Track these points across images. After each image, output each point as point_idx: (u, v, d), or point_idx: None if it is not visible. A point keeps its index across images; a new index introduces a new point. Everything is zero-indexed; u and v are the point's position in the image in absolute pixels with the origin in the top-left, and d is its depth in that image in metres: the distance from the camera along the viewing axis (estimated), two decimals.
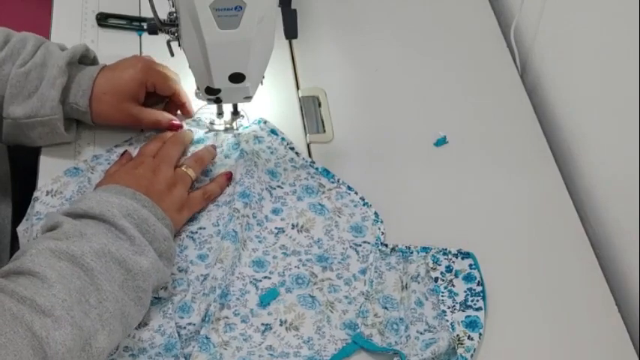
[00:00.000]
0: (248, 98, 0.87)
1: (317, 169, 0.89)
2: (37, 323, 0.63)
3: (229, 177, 0.87)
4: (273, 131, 0.92)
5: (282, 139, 0.91)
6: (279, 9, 0.79)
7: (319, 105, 0.98)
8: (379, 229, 0.84)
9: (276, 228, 0.84)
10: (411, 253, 0.82)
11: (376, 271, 0.81)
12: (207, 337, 0.75)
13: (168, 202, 0.79)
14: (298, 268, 0.81)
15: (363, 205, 0.86)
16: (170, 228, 0.78)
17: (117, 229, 0.72)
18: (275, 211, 0.86)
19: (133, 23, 1.03)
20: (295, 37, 0.82)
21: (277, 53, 0.85)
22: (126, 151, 0.88)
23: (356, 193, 0.87)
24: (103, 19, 1.03)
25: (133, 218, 0.73)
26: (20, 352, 0.61)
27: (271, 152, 0.90)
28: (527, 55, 1.08)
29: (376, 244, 0.83)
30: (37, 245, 0.69)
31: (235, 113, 0.93)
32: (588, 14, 0.92)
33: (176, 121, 0.90)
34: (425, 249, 0.82)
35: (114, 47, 0.99)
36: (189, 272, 0.80)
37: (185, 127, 0.92)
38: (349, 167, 0.91)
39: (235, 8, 0.73)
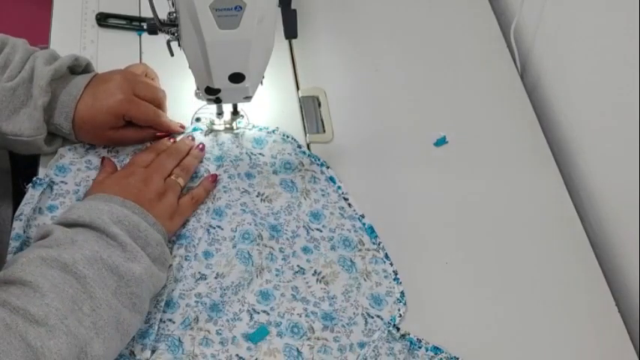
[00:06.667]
0: (248, 98, 0.87)
1: (364, 224, 0.86)
2: (31, 333, 0.62)
3: (214, 179, 0.87)
4: (332, 179, 0.89)
5: (339, 187, 0.89)
6: (279, 9, 0.79)
7: (319, 105, 0.98)
8: (399, 309, 0.79)
9: (298, 266, 0.82)
10: (420, 347, 0.76)
11: (374, 351, 0.76)
12: (180, 340, 0.75)
13: (159, 210, 0.79)
14: (300, 316, 0.78)
15: (394, 279, 0.82)
16: (163, 234, 0.77)
17: (108, 236, 0.72)
18: (305, 250, 0.83)
19: (133, 23, 1.03)
20: (295, 37, 0.82)
21: (277, 53, 0.85)
22: (104, 157, 0.87)
23: (391, 264, 0.83)
24: (103, 19, 1.03)
25: (124, 224, 0.73)
26: None
27: (323, 195, 0.88)
28: (527, 55, 1.08)
29: (389, 323, 0.78)
30: (28, 254, 0.68)
31: (235, 113, 0.93)
32: (588, 14, 0.93)
33: (160, 134, 0.90)
34: (436, 349, 0.76)
35: (114, 47, 1.00)
36: (186, 267, 0.80)
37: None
38: (349, 167, 0.91)
39: (235, 8, 0.73)
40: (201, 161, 0.89)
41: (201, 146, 0.90)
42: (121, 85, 0.85)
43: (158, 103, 0.89)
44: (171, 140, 0.90)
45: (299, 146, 0.92)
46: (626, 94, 0.83)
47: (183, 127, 0.92)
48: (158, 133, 0.90)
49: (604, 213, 0.90)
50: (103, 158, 0.87)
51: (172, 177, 0.84)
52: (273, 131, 0.93)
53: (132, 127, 0.88)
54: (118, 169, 0.86)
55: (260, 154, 0.91)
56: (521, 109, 1.00)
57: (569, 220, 0.89)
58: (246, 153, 0.91)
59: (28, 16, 1.79)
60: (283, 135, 0.93)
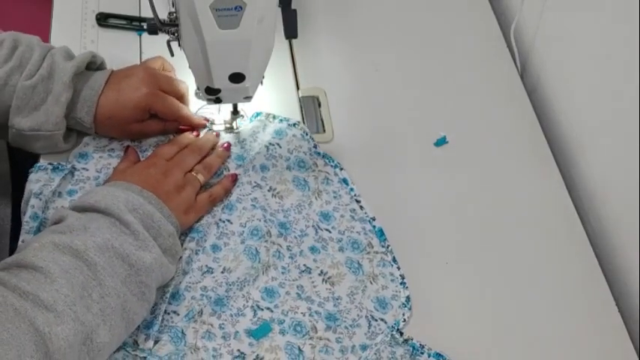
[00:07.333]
0: (248, 98, 0.87)
1: (374, 227, 0.85)
2: (39, 319, 0.63)
3: (234, 179, 0.87)
4: (345, 180, 0.89)
5: (352, 189, 0.88)
6: (279, 9, 0.79)
7: (319, 105, 0.98)
8: (403, 314, 0.79)
9: (304, 265, 0.82)
10: (422, 353, 0.76)
11: (376, 354, 0.76)
12: (183, 332, 0.75)
13: (176, 203, 0.80)
14: (304, 315, 0.78)
15: (400, 284, 0.81)
16: (176, 226, 0.78)
17: (121, 223, 0.72)
18: (313, 249, 0.83)
19: (133, 23, 1.03)
20: (295, 37, 0.82)
21: (277, 53, 0.85)
22: (129, 146, 0.88)
23: (398, 267, 0.82)
24: (103, 19, 1.03)
25: (138, 213, 0.74)
26: (23, 347, 0.61)
27: (334, 197, 0.88)
28: (527, 55, 1.08)
29: (392, 327, 0.78)
30: (41, 239, 0.69)
31: (235, 113, 0.93)
32: (588, 14, 0.93)
33: (183, 127, 0.90)
34: (438, 356, 0.76)
35: (114, 47, 0.99)
36: (194, 260, 0.80)
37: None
38: (349, 167, 0.91)
39: (235, 8, 0.73)
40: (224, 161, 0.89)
41: (226, 145, 0.90)
42: (145, 79, 0.86)
43: (181, 96, 0.90)
44: (195, 133, 0.90)
45: (315, 146, 0.92)
46: (626, 93, 0.83)
47: (207, 119, 0.92)
48: (181, 127, 0.90)
49: (604, 213, 0.90)
50: (127, 147, 0.88)
51: (193, 173, 0.85)
52: (295, 125, 0.93)
53: (155, 119, 0.88)
54: (141, 159, 0.87)
55: (277, 144, 0.91)
56: (521, 109, 1.00)
57: (569, 220, 0.89)
58: (265, 145, 0.91)
59: (28, 16, 1.79)
60: (303, 132, 0.92)
